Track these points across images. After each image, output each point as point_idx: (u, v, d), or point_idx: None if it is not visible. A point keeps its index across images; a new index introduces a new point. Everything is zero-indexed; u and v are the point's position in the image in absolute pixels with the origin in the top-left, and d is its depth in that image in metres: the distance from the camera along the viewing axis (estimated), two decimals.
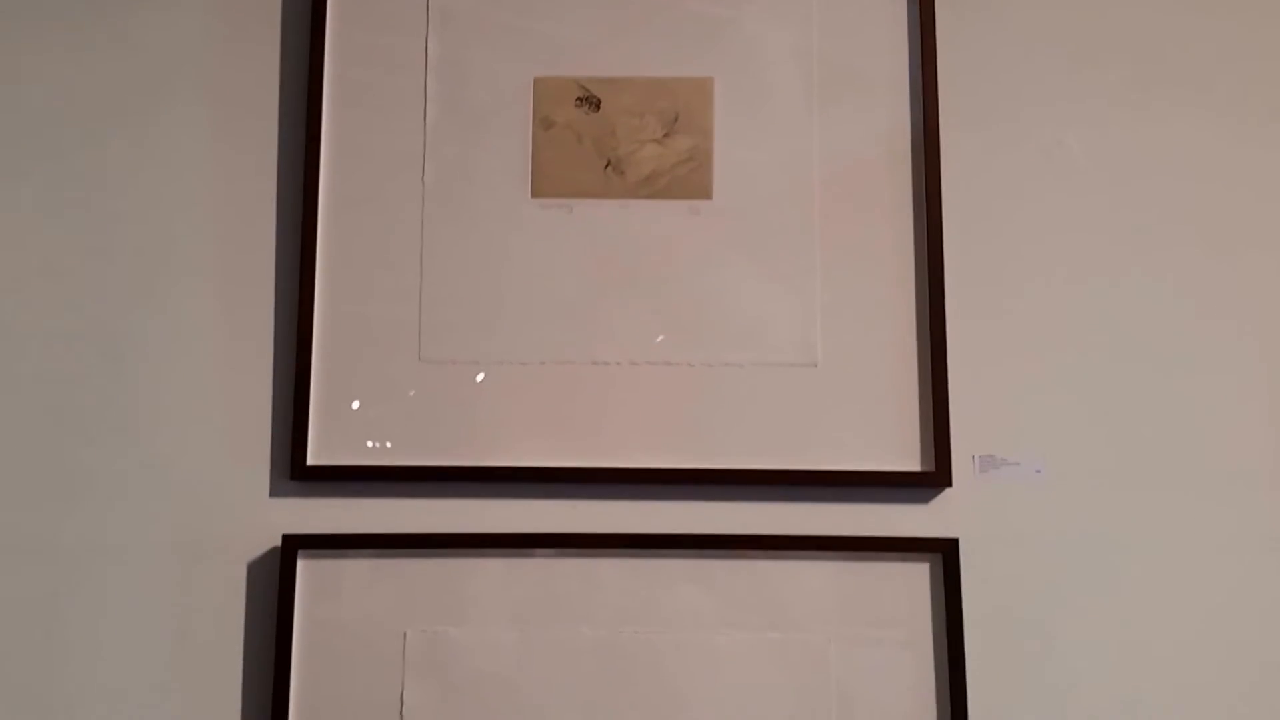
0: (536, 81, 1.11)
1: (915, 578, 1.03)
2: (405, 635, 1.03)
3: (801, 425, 1.06)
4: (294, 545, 1.04)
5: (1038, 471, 1.05)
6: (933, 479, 1.03)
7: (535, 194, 1.09)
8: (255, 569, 1.06)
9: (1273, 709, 1.02)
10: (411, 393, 1.07)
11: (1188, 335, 1.08)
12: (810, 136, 1.10)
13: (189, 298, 1.10)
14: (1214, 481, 1.05)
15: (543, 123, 1.10)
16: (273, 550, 1.05)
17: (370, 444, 1.06)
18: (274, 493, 1.07)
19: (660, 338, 1.07)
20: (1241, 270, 1.09)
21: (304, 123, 1.10)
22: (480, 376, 1.07)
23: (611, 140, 1.10)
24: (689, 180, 1.09)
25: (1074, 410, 1.06)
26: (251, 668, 1.04)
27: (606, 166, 1.10)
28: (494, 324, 1.08)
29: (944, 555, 1.02)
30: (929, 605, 1.03)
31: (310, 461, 1.06)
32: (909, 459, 1.05)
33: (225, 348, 1.09)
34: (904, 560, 1.03)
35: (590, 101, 1.11)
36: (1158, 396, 1.07)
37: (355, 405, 1.06)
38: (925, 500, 1.05)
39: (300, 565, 1.04)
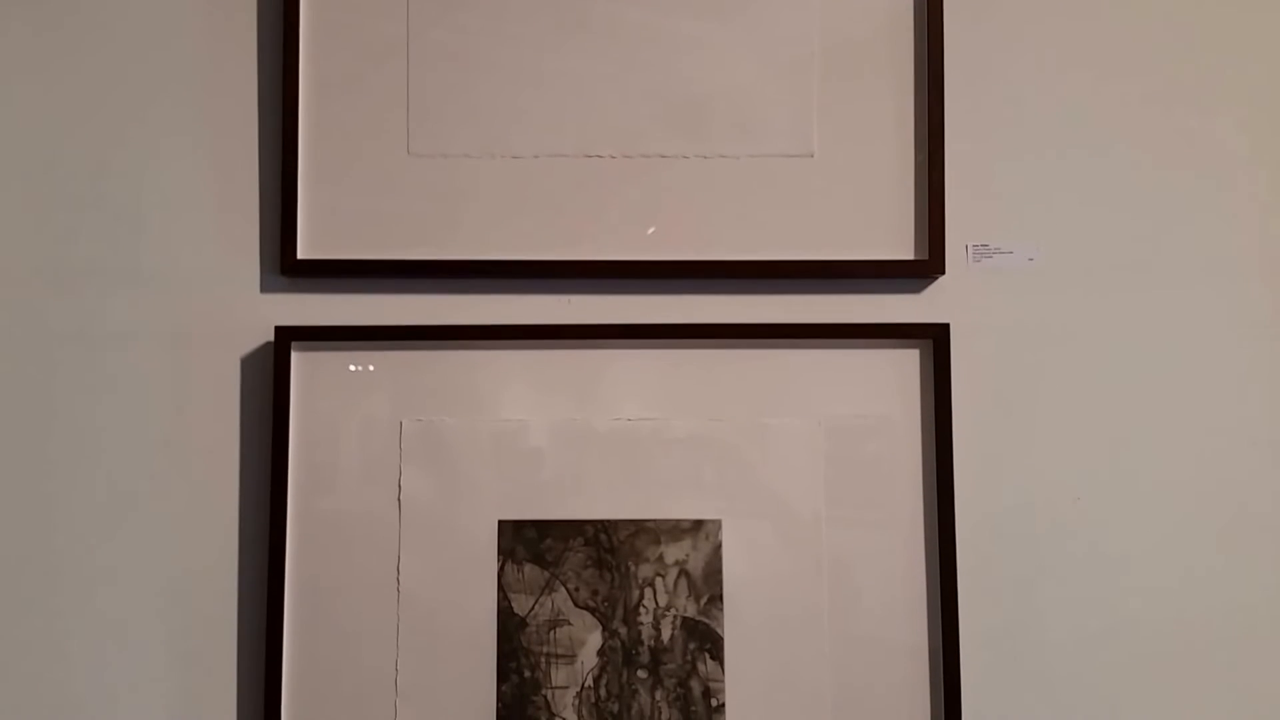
0: None
1: (906, 364, 1.04)
2: (401, 425, 1.04)
3: (797, 216, 1.05)
4: (287, 337, 1.04)
5: (1030, 260, 1.05)
6: (926, 267, 1.04)
7: None
8: (249, 363, 1.06)
9: (1260, 490, 1.05)
10: (400, 187, 1.06)
11: (1183, 127, 1.07)
12: None
13: (175, 93, 1.07)
14: (1205, 273, 1.06)
15: None
16: (266, 344, 1.05)
17: (360, 238, 1.05)
18: (265, 288, 1.07)
19: (655, 130, 1.06)
20: (1238, 69, 1.08)
21: None
22: (472, 171, 1.06)
23: None
24: None
25: (1068, 200, 1.06)
26: (249, 461, 1.05)
27: None
28: (484, 117, 1.06)
29: (934, 341, 1.03)
30: (918, 391, 1.04)
31: (300, 256, 1.05)
32: (903, 248, 1.05)
33: (212, 144, 1.07)
34: (895, 347, 1.04)
35: None
36: (1152, 188, 1.07)
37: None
38: (918, 290, 1.05)
39: (294, 358, 1.04)
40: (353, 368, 1.04)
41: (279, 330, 1.04)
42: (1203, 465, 1.05)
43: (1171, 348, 1.06)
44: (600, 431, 1.04)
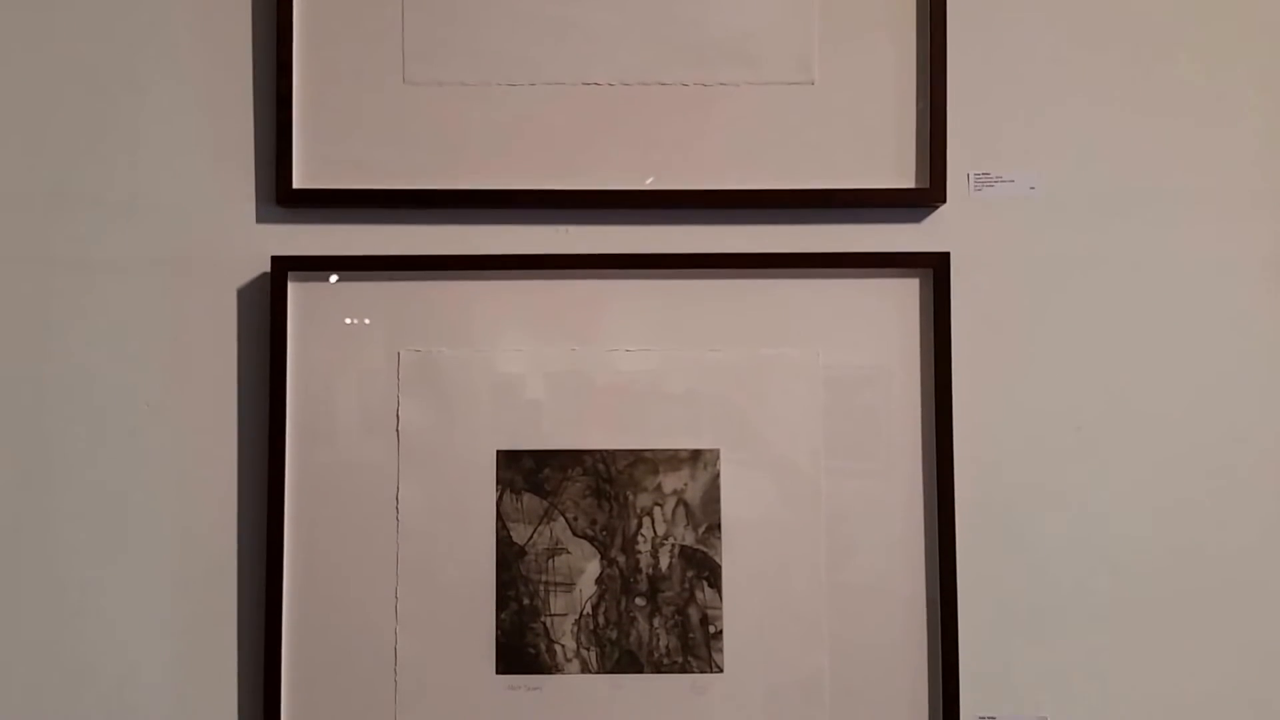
0: None
1: (906, 294, 1.04)
2: (398, 356, 1.04)
3: (796, 145, 1.04)
4: (284, 267, 1.03)
5: (1032, 189, 1.04)
6: (926, 196, 1.03)
7: None
8: (245, 295, 1.05)
9: (1260, 421, 1.05)
10: (396, 116, 1.04)
11: (1188, 58, 1.06)
12: None
13: (171, 24, 1.06)
14: (1207, 203, 1.05)
15: None
16: (262, 275, 1.05)
17: (356, 168, 1.04)
18: (261, 219, 1.06)
19: (653, 58, 1.04)
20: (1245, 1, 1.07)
21: None
22: (469, 100, 1.04)
23: None
24: None
25: (1070, 129, 1.05)
26: (246, 392, 1.05)
27: None
28: (481, 45, 1.04)
29: (935, 271, 1.03)
30: (918, 321, 1.04)
31: (296, 186, 1.04)
32: (904, 177, 1.04)
33: (207, 73, 1.06)
34: (895, 276, 1.04)
35: None
36: (1155, 117, 1.06)
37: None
38: (919, 219, 1.05)
39: (291, 288, 1.04)
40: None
41: (275, 260, 1.03)
42: (1204, 395, 1.05)
43: (1173, 277, 1.05)
44: (598, 362, 1.04)
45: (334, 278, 1.04)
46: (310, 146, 1.05)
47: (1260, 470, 1.05)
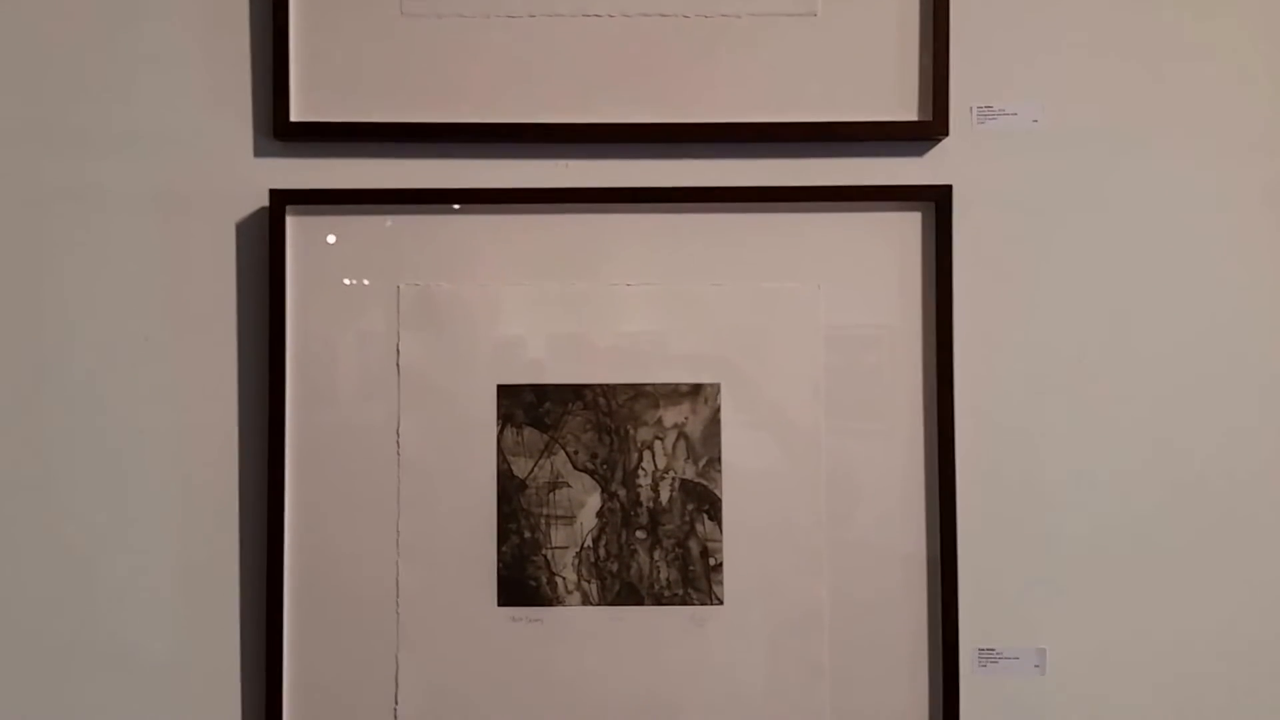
0: None
1: (908, 226, 1.03)
2: (398, 290, 1.04)
3: (798, 77, 1.03)
4: (282, 201, 1.03)
5: (1035, 122, 1.04)
6: (929, 129, 1.02)
7: None
8: (244, 229, 1.05)
9: (1258, 346, 1.05)
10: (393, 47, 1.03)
11: None
12: None
13: None
14: (1212, 137, 1.05)
15: None
16: (260, 210, 1.04)
17: (354, 101, 1.03)
18: (258, 152, 1.05)
19: None
20: None
21: None
22: (467, 32, 1.03)
23: None
24: None
25: (1073, 62, 1.04)
26: (246, 327, 1.04)
27: None
28: None
29: (937, 204, 1.02)
30: (920, 253, 1.03)
31: (294, 119, 1.03)
32: (906, 109, 1.03)
33: (202, 7, 1.04)
34: (897, 209, 1.03)
35: None
36: (1160, 51, 1.05)
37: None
38: (921, 153, 1.04)
39: (289, 222, 1.03)
40: (330, 238, 1.03)
41: (273, 194, 1.02)
42: (1206, 329, 1.05)
43: (1177, 212, 1.05)
44: (598, 296, 1.04)
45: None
46: (307, 79, 1.04)
47: (1261, 405, 1.05)
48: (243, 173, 1.05)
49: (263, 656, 1.02)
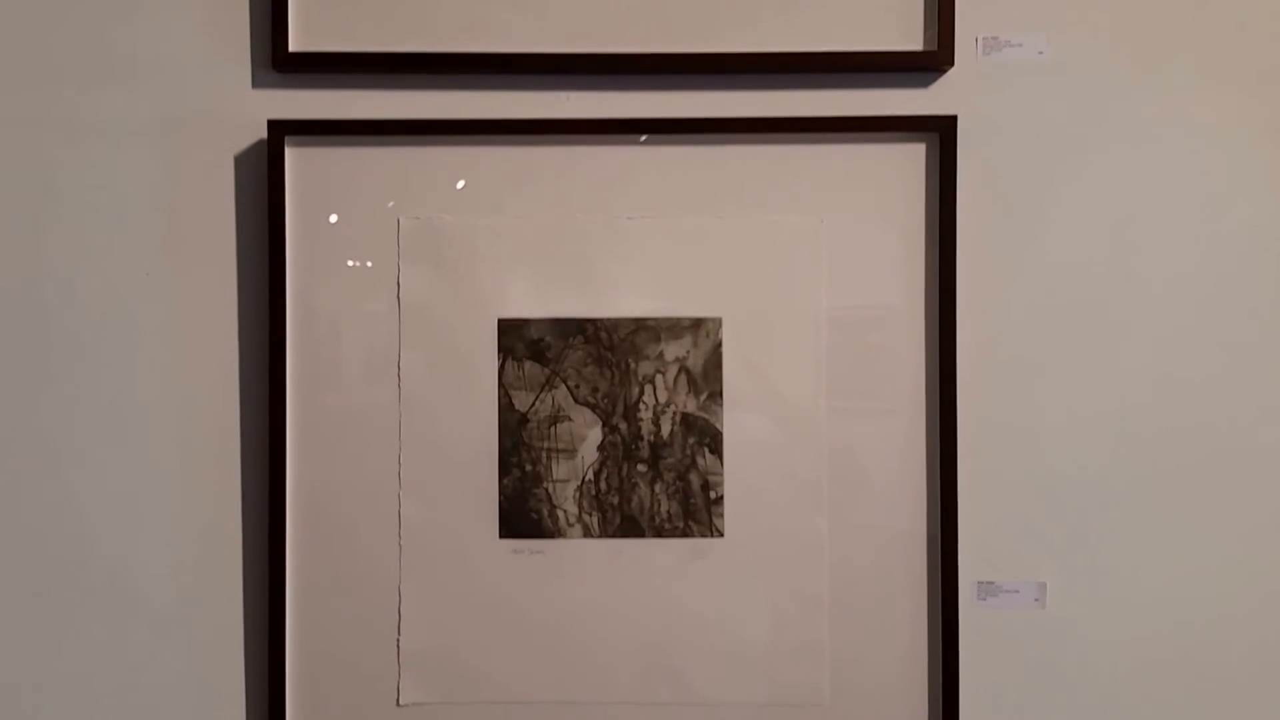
0: None
1: (912, 158, 1.03)
2: (398, 223, 1.03)
3: (803, 6, 1.02)
4: (281, 132, 1.02)
5: (1040, 54, 1.02)
6: (934, 59, 1.01)
7: None
8: (243, 161, 1.04)
9: (1264, 282, 1.04)
10: None
11: None
12: None
13: None
14: (1219, 70, 1.03)
15: None
16: (259, 142, 1.03)
17: (353, 31, 1.02)
18: (256, 83, 1.04)
19: None
20: None
21: None
22: None
23: None
24: None
25: None
26: (245, 260, 1.04)
27: None
28: None
29: (941, 134, 1.01)
30: (923, 185, 1.03)
31: (292, 49, 1.02)
32: (911, 40, 1.02)
33: None
34: (901, 141, 1.02)
35: None
36: None
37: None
38: (926, 84, 1.03)
39: (289, 154, 1.03)
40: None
41: (272, 124, 1.02)
42: (1210, 264, 1.04)
43: (1182, 145, 1.04)
44: (600, 229, 1.03)
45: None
46: (306, 9, 1.02)
47: (1266, 341, 1.04)
48: (241, 104, 1.04)
49: (266, 590, 1.03)
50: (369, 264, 1.03)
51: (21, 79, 1.03)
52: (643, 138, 1.02)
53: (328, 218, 1.03)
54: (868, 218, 1.03)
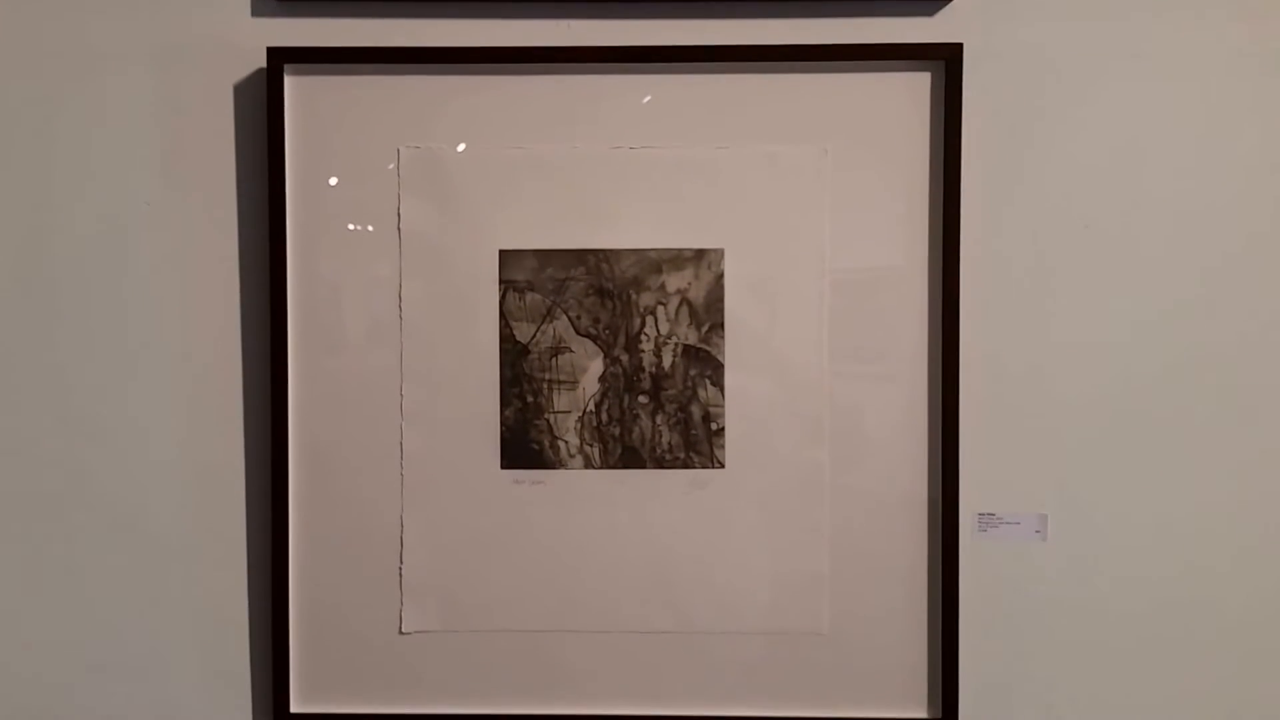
0: None
1: (917, 87, 1.01)
2: (398, 153, 1.03)
3: None
4: (279, 59, 1.01)
5: None
6: None
7: None
8: (242, 90, 1.03)
9: (1267, 209, 1.03)
10: None
11: None
12: None
13: None
14: (1219, 2, 1.03)
15: None
16: (259, 70, 1.03)
17: None
18: (256, 12, 1.03)
19: None
20: None
21: None
22: None
23: None
24: None
25: None
26: (245, 189, 1.03)
27: None
28: None
29: (947, 62, 1.00)
30: (928, 114, 1.01)
31: None
32: None
33: None
34: (906, 69, 1.01)
35: None
36: None
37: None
38: (931, 13, 1.01)
39: (287, 82, 1.02)
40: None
41: (271, 52, 1.01)
42: (1215, 190, 1.03)
43: (1190, 73, 1.02)
44: (601, 159, 1.02)
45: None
46: None
47: (1271, 271, 1.03)
48: (240, 32, 1.03)
49: (269, 521, 1.03)
50: (368, 194, 1.03)
51: (20, 5, 1.03)
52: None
53: (327, 147, 1.02)
54: (872, 147, 1.02)
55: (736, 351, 1.02)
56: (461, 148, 1.02)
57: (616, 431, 1.03)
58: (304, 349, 1.03)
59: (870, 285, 1.03)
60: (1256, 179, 1.03)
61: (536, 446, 1.03)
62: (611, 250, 1.02)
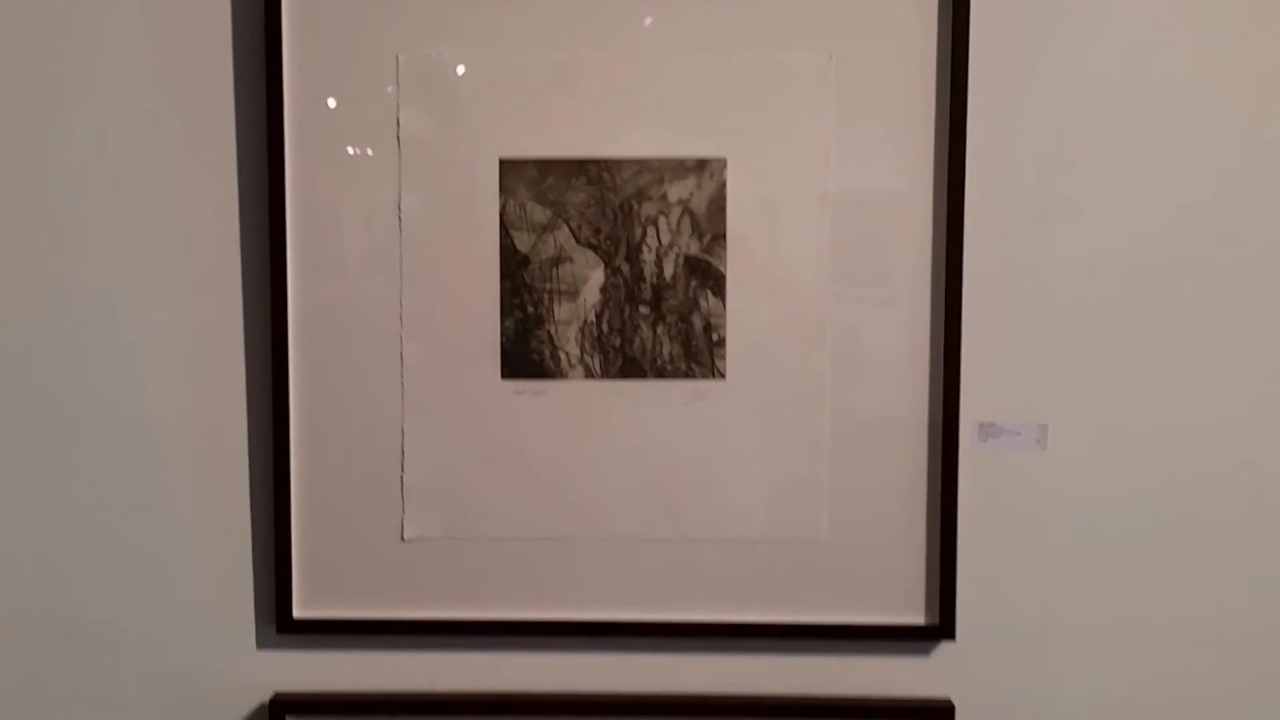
0: None
1: None
2: (398, 60, 1.01)
3: None
4: None
5: None
6: None
7: None
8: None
9: (1274, 129, 1.02)
10: None
11: None
12: None
13: None
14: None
15: None
16: None
17: None
18: None
19: None
20: None
21: None
22: None
23: None
24: None
25: None
26: (243, 98, 1.02)
27: None
28: None
29: None
30: (935, 22, 0.99)
31: None
32: None
33: None
34: None
35: None
36: None
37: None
38: None
39: None
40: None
41: None
42: (1222, 98, 1.01)
43: (1198, 48, 1.01)
44: (602, 66, 1.01)
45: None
46: None
47: (1272, 196, 1.02)
48: None
49: (270, 429, 1.04)
50: (367, 104, 1.02)
51: None
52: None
53: (326, 55, 1.01)
54: (878, 56, 1.00)
55: (738, 262, 1.02)
56: (461, 70, 1.01)
57: (617, 342, 1.03)
58: (303, 257, 1.02)
59: (873, 197, 1.02)
60: (1269, 89, 1.01)
61: (537, 357, 1.03)
62: (613, 159, 1.02)
